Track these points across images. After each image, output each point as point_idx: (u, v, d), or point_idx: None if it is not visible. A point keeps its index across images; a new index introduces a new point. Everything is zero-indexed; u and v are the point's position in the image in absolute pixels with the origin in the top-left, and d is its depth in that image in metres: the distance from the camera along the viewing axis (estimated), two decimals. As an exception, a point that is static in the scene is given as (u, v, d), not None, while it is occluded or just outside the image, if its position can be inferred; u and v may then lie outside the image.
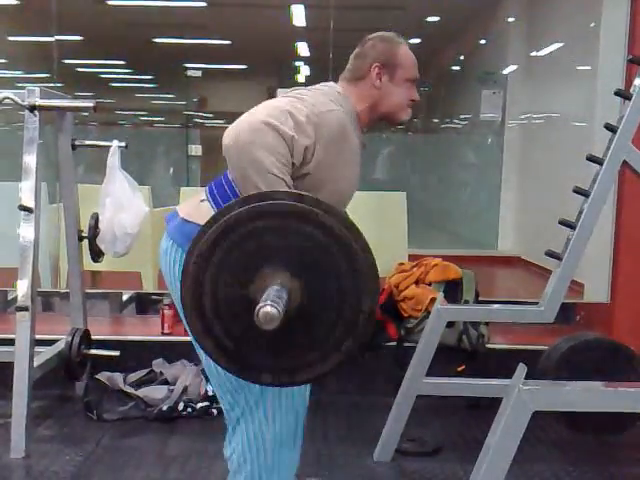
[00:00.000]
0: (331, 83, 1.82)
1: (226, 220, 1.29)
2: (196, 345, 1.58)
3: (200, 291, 1.30)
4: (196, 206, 1.74)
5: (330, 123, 1.63)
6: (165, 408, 2.98)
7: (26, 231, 2.72)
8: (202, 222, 1.69)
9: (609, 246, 3.59)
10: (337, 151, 1.66)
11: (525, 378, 1.71)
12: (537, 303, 2.50)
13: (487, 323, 3.35)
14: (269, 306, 1.16)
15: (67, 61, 6.90)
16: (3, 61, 6.97)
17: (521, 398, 1.65)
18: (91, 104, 2.86)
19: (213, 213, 1.69)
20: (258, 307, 1.17)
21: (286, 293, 1.24)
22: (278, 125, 1.54)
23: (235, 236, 1.29)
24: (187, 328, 1.42)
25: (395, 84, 1.79)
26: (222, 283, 1.30)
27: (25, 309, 2.65)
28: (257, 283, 1.27)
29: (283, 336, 1.19)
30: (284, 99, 1.66)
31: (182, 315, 1.41)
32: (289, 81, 7.38)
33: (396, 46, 1.81)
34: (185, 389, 3.05)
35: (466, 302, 3.35)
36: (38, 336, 2.75)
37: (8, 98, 2.71)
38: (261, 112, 1.57)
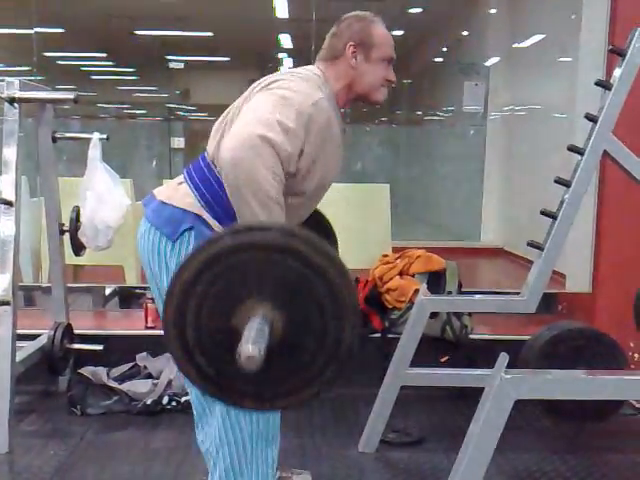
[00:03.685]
0: (310, 66, 1.81)
1: (211, 251, 1.29)
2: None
3: (183, 321, 1.29)
4: (174, 188, 1.74)
5: (317, 118, 1.63)
6: (149, 402, 2.98)
7: (6, 225, 2.69)
8: (179, 203, 1.70)
9: (590, 236, 3.61)
10: (323, 141, 1.66)
11: (507, 367, 1.72)
12: (519, 293, 2.52)
13: (470, 314, 3.37)
14: (251, 347, 1.16)
15: (48, 54, 6.83)
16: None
17: (503, 386, 1.66)
18: (71, 96, 2.83)
19: (192, 196, 1.70)
20: (239, 348, 1.17)
21: (268, 326, 1.25)
22: (275, 141, 1.53)
23: (218, 268, 1.28)
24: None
25: (370, 64, 1.78)
26: (205, 314, 1.29)
27: (6, 303, 2.63)
28: (240, 314, 1.28)
29: (265, 364, 1.20)
30: (269, 104, 1.61)
31: (164, 335, 1.40)
32: (272, 73, 7.35)
33: (371, 25, 1.80)
34: (169, 383, 3.04)
35: (449, 293, 3.37)
36: (20, 331, 2.73)
37: (-13, 91, 2.69)
38: (254, 125, 1.54)
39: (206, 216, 1.67)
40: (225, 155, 1.54)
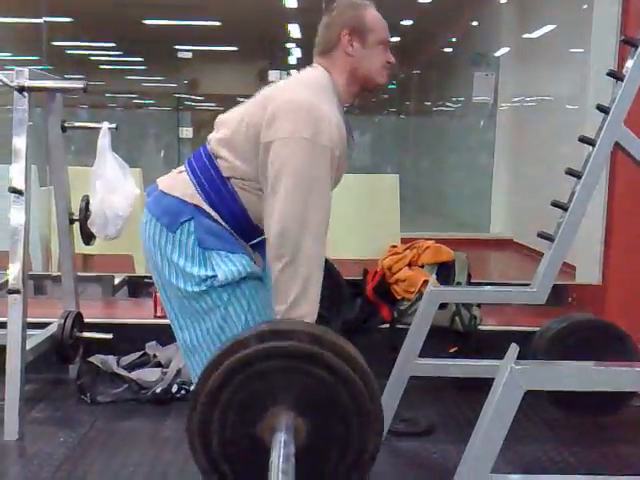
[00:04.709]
0: (314, 69, 1.79)
1: (235, 359, 1.28)
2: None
3: (207, 430, 1.29)
4: (174, 177, 1.75)
5: (340, 138, 1.65)
6: (159, 390, 2.99)
7: (17, 214, 2.70)
8: (178, 194, 1.69)
9: (601, 228, 3.60)
10: (342, 155, 1.67)
11: (517, 359, 1.71)
12: (529, 285, 2.51)
13: (479, 305, 3.36)
14: None
15: (56, 43, 6.84)
16: (-9, 43, 6.91)
17: (513, 377, 1.65)
18: (81, 85, 2.83)
19: (191, 186, 1.69)
20: None
21: (293, 444, 1.24)
22: (325, 209, 1.61)
23: (243, 376, 1.28)
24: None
25: (368, 49, 1.76)
26: (230, 423, 1.29)
27: (17, 292, 2.64)
28: (264, 422, 1.28)
29: None
30: (309, 127, 1.59)
31: (188, 443, 1.37)
32: (280, 63, 7.33)
33: (363, 10, 1.78)
34: (179, 371, 3.05)
35: (458, 284, 3.37)
36: (30, 319, 2.74)
37: (-3, 79, 2.69)
38: (299, 201, 1.58)
39: (206, 207, 1.67)
40: (274, 227, 1.57)
